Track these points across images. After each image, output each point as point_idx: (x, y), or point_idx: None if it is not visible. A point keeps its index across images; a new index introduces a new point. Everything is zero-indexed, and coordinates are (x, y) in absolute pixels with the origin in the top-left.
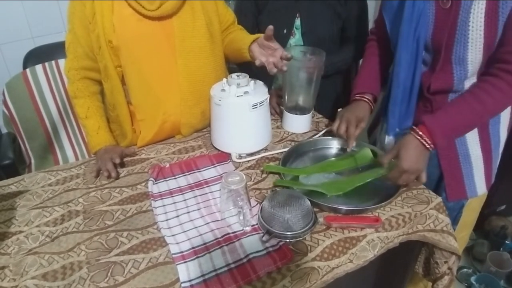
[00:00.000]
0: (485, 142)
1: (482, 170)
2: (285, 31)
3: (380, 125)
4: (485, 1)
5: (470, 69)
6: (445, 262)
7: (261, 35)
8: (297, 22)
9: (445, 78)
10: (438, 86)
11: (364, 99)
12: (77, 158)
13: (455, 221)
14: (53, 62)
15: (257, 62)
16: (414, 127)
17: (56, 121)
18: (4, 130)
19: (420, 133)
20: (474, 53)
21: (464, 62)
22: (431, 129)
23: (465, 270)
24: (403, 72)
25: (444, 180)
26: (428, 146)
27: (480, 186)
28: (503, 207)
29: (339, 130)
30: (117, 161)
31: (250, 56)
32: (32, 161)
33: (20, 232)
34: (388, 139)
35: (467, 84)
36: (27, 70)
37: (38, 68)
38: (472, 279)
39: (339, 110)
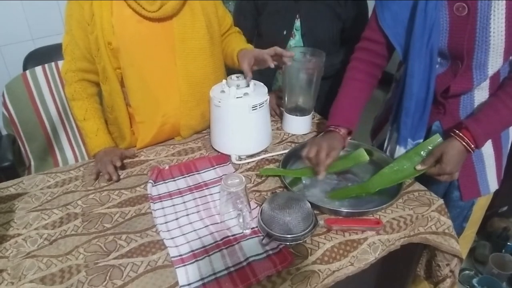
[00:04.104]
0: (496, 140)
1: (494, 167)
2: (285, 32)
3: (389, 133)
4: (504, 6)
5: (489, 73)
6: (447, 264)
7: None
8: (297, 23)
9: (464, 83)
10: (457, 90)
11: (338, 131)
12: (76, 160)
13: (465, 219)
14: (52, 64)
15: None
16: (457, 131)
17: (56, 122)
18: (4, 132)
19: (465, 138)
20: (495, 57)
21: (484, 67)
22: (475, 134)
23: (467, 272)
24: (417, 83)
25: (458, 179)
26: (470, 150)
27: (492, 183)
28: (505, 208)
29: (309, 153)
30: (118, 163)
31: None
32: (32, 163)
33: (19, 235)
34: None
35: (482, 84)
36: (27, 71)
37: (38, 69)
38: (474, 281)
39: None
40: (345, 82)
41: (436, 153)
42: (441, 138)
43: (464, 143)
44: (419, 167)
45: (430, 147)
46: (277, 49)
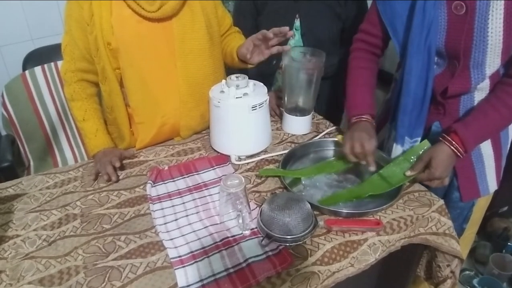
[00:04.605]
0: (495, 141)
1: (494, 168)
2: None
3: (388, 132)
4: (502, 6)
5: (487, 73)
6: (448, 265)
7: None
8: (297, 23)
9: (462, 83)
10: (455, 90)
11: (364, 119)
12: (76, 160)
13: (465, 220)
14: (52, 64)
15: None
16: (445, 135)
17: (55, 123)
18: (3, 132)
19: (454, 142)
20: (493, 57)
21: (482, 67)
22: (464, 138)
23: (467, 272)
24: (414, 81)
25: (457, 180)
26: (459, 154)
27: (492, 184)
28: (505, 208)
29: (355, 149)
30: (117, 164)
31: (237, 56)
32: (31, 163)
33: (17, 236)
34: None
35: (482, 85)
36: (26, 72)
37: (37, 70)
38: (475, 281)
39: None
40: (352, 72)
41: (425, 158)
42: (429, 144)
43: (452, 147)
44: (408, 173)
45: (419, 153)
46: (274, 29)
